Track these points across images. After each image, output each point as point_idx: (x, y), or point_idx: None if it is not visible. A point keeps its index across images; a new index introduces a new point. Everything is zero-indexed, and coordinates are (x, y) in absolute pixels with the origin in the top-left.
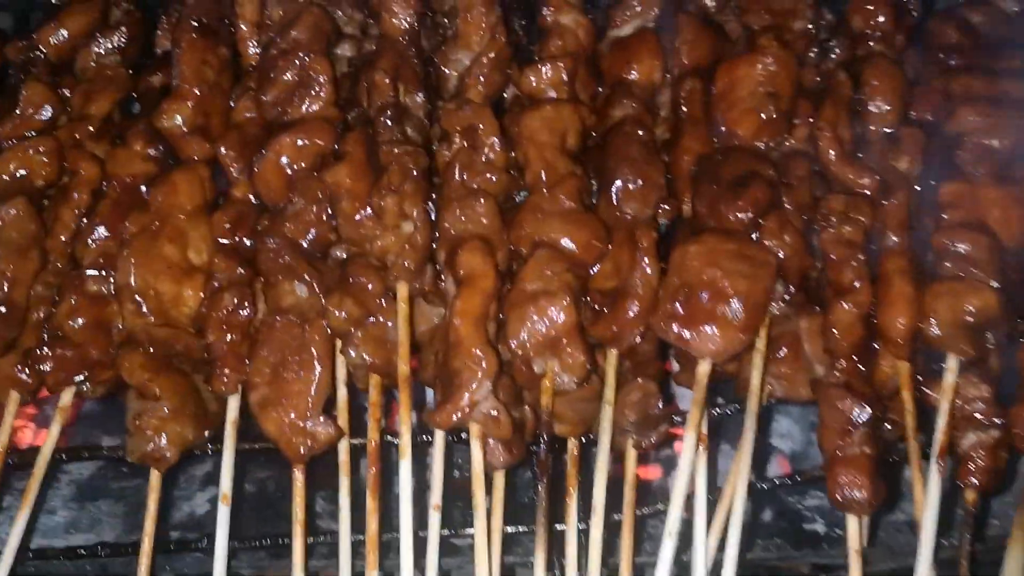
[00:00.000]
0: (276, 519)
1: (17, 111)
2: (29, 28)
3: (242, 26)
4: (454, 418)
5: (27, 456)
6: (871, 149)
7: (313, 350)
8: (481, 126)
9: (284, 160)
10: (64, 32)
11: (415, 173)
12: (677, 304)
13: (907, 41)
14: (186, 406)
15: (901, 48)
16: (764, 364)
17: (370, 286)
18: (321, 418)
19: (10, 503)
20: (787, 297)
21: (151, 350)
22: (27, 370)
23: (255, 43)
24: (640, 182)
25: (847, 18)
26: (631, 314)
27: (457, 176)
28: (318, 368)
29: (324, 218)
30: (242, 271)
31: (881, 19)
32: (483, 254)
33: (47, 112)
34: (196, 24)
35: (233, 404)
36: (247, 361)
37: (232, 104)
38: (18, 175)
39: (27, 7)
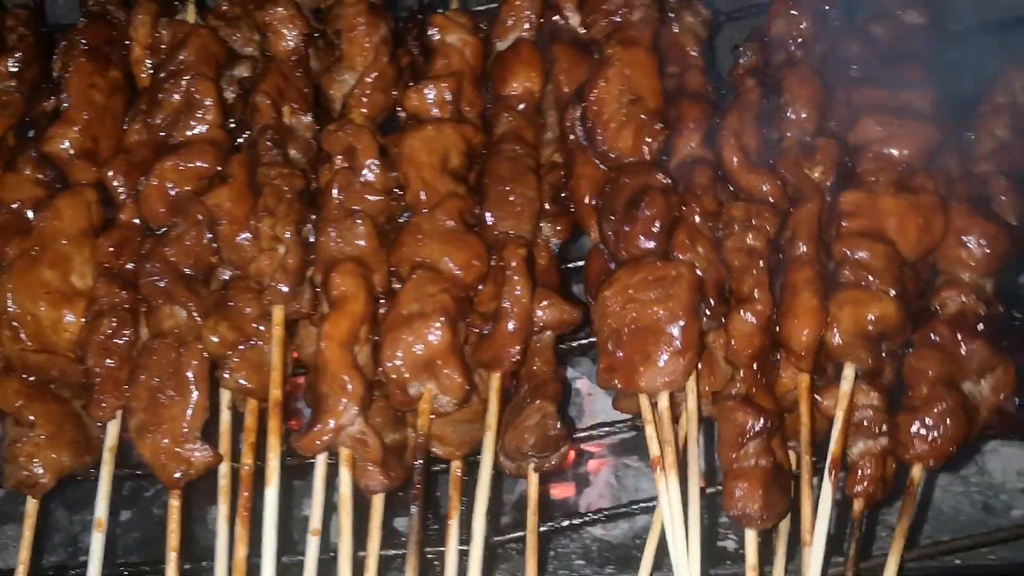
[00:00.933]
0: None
1: None
2: None
3: (136, 50)
4: (318, 443)
5: None
6: (786, 157)
7: (189, 374)
8: (360, 147)
9: (167, 183)
10: None
11: (289, 195)
12: (617, 354)
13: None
14: (63, 432)
15: (818, 57)
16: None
17: (248, 310)
18: (198, 443)
19: None
20: (707, 312)
21: (25, 376)
22: None
23: (148, 66)
24: (512, 198)
25: (767, 23)
26: (507, 335)
27: (335, 197)
28: (194, 392)
29: (205, 241)
30: (124, 295)
31: (803, 26)
32: (355, 276)
33: None
34: (85, 48)
35: (112, 430)
36: (126, 386)
37: (124, 127)
38: None
39: None
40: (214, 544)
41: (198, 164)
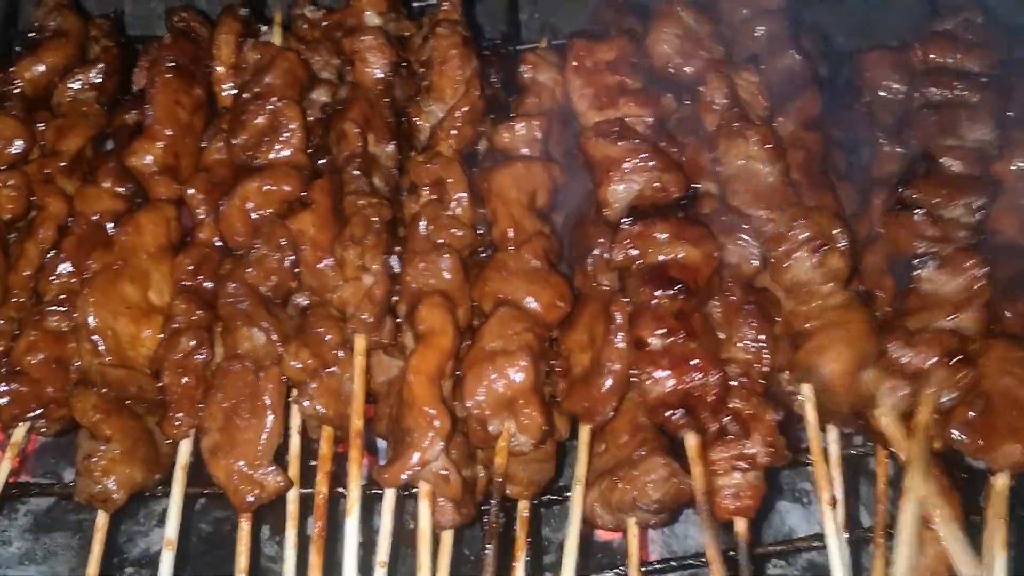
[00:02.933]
0: (230, 560)
1: None
2: (11, 58)
3: (218, 68)
4: (403, 477)
5: None
6: None
7: (266, 398)
8: (450, 180)
9: (249, 205)
10: (41, 66)
11: (377, 225)
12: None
13: None
14: (137, 448)
15: None
16: None
17: (328, 337)
18: (271, 467)
19: None
20: None
21: (105, 391)
22: None
23: (230, 85)
24: None
25: None
26: (603, 391)
27: (422, 230)
28: (270, 416)
29: (286, 265)
30: (201, 314)
31: None
32: (443, 311)
33: (18, 146)
34: (171, 64)
35: (184, 448)
36: (200, 405)
37: (204, 145)
38: None
39: (12, 35)
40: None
41: (282, 187)
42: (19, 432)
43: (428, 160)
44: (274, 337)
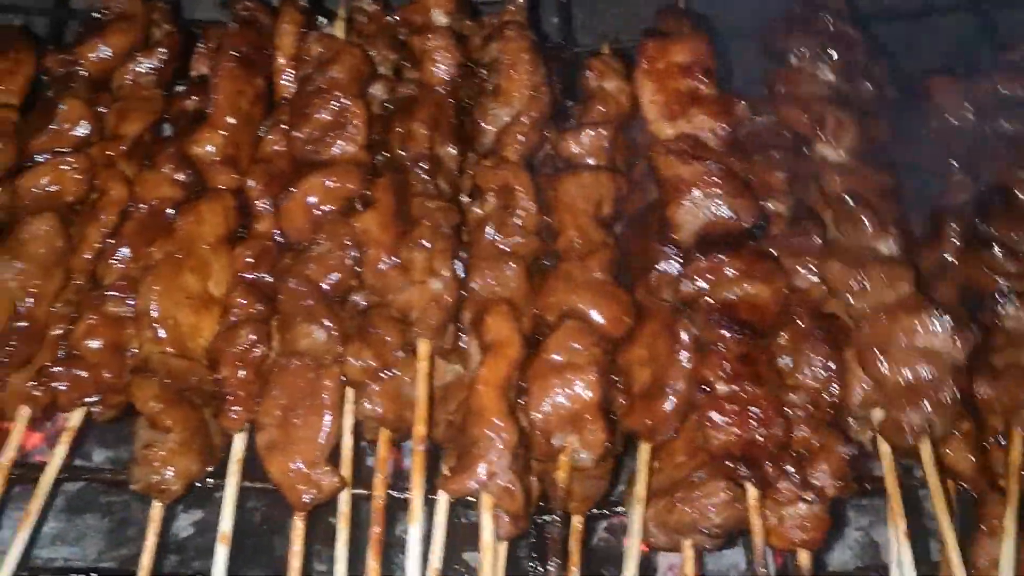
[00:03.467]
0: (260, 553)
1: (53, 126)
2: (62, 36)
3: (279, 59)
4: (470, 486)
5: (27, 469)
6: None
7: (325, 397)
8: (518, 187)
9: (312, 200)
10: (107, 48)
11: (446, 230)
12: None
13: None
14: (195, 440)
15: None
16: None
17: (389, 338)
18: (327, 467)
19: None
20: None
21: (166, 380)
22: (41, 387)
23: (290, 76)
24: None
25: None
26: (668, 410)
27: (489, 236)
28: (328, 416)
29: (347, 263)
30: (260, 307)
31: None
32: (511, 321)
33: (82, 129)
34: (235, 54)
35: (239, 442)
36: (263, 404)
37: (261, 135)
38: (49, 190)
39: (64, 15)
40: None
41: (346, 184)
42: (76, 416)
43: (495, 165)
44: (335, 335)
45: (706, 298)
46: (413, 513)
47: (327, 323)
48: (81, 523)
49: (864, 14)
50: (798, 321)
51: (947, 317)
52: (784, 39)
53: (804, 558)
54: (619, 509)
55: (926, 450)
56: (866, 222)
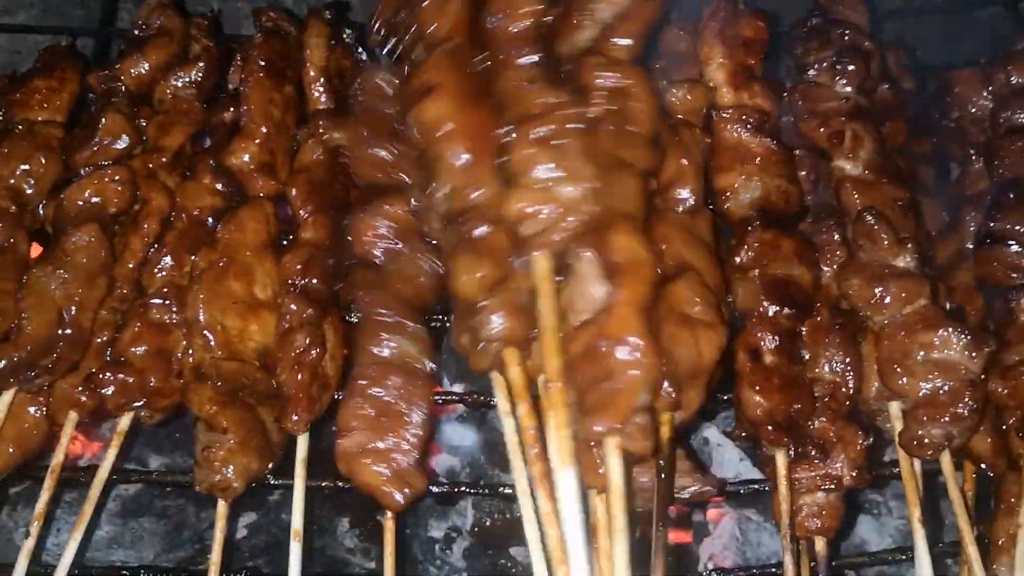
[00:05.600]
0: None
1: (95, 140)
2: (108, 53)
3: (310, 71)
4: (616, 426)
5: (77, 472)
6: None
7: (415, 401)
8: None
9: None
10: (146, 64)
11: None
12: None
13: None
14: (252, 439)
15: None
16: None
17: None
18: (416, 467)
19: (57, 515)
20: None
21: (219, 384)
22: (88, 392)
23: (321, 87)
24: None
25: None
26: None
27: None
28: (419, 415)
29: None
30: (311, 312)
31: None
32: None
33: (124, 142)
34: (263, 63)
35: (302, 443)
36: (349, 407)
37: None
38: (92, 202)
39: (110, 34)
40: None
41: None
42: (124, 421)
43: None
44: (422, 347)
45: (758, 269)
46: (564, 455)
47: (412, 330)
48: (137, 526)
49: (895, 9)
50: (816, 316)
51: (965, 331)
52: (802, 50)
53: (821, 545)
54: None
55: (946, 461)
56: (884, 236)
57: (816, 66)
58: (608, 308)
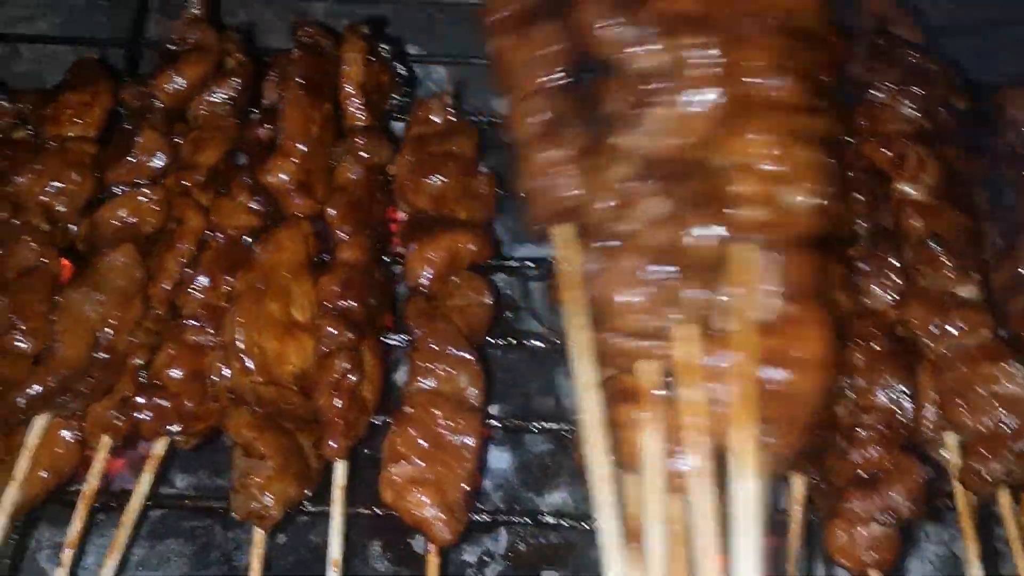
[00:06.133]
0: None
1: (130, 158)
2: (138, 65)
3: (347, 87)
4: None
5: (108, 497)
6: None
7: (469, 435)
8: None
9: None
10: (181, 80)
11: None
12: None
13: None
14: (290, 465)
15: None
16: None
17: None
18: (464, 503)
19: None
20: None
21: (257, 409)
22: (122, 416)
23: (359, 103)
24: None
25: None
26: None
27: None
28: (469, 447)
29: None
30: (351, 335)
31: None
32: None
33: (160, 160)
34: (301, 79)
35: (341, 469)
36: (398, 436)
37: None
38: (127, 221)
39: (140, 46)
40: None
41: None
42: (160, 445)
43: None
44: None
45: None
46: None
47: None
48: (164, 548)
49: (935, 26)
50: (872, 344)
51: None
52: (865, 72)
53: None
54: None
55: (1005, 499)
56: (947, 264)
57: (879, 86)
58: None
